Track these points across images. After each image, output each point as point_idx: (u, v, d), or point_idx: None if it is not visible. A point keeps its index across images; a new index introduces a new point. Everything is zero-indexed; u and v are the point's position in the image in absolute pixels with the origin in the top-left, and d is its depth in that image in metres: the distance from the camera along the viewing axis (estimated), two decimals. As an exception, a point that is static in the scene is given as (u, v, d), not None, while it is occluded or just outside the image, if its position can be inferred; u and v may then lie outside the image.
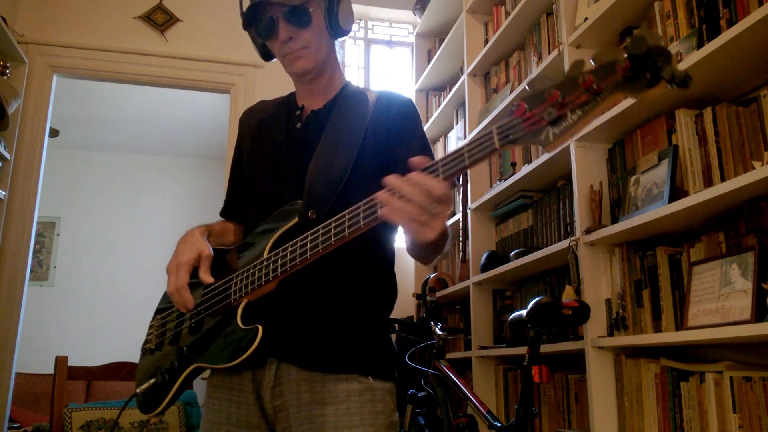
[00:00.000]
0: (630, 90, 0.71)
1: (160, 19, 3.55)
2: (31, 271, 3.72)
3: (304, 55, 1.23)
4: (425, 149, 1.24)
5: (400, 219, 0.87)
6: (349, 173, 1.15)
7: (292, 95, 1.36)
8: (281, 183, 1.21)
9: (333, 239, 0.97)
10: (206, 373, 1.21)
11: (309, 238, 1.01)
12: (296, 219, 1.10)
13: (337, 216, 0.98)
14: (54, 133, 4.22)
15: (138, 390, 1.21)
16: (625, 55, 0.70)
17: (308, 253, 1.01)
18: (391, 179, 0.88)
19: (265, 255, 1.09)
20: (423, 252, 1.14)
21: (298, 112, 1.29)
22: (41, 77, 3.31)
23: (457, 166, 0.86)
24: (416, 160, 0.89)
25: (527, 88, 0.80)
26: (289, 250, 1.04)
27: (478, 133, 0.84)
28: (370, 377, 1.12)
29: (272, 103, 1.39)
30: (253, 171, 1.31)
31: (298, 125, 1.27)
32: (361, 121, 1.22)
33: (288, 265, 1.03)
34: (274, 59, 1.32)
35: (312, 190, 1.14)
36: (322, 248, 0.99)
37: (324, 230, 0.99)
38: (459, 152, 0.85)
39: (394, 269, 1.27)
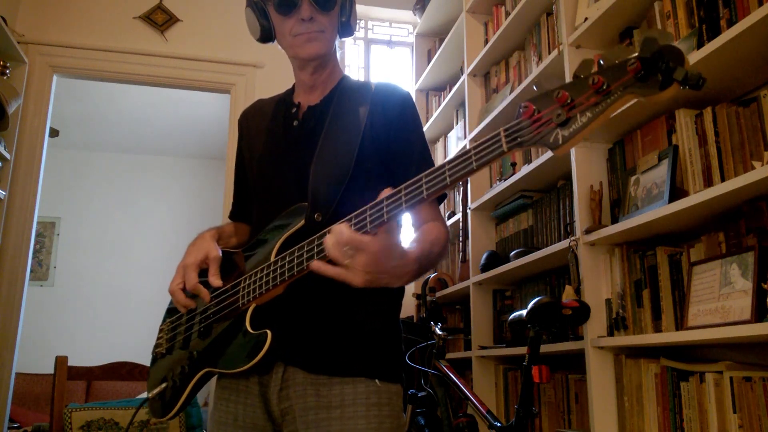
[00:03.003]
0: (641, 92, 0.69)
1: (160, 19, 3.55)
2: (31, 271, 3.72)
3: (320, 39, 1.21)
4: (422, 144, 1.23)
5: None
6: (351, 171, 1.14)
7: (288, 92, 1.35)
8: (282, 182, 1.21)
9: None
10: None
11: (315, 242, 1.00)
12: (302, 221, 1.08)
13: (346, 219, 0.96)
14: (54, 133, 4.22)
15: (149, 395, 1.20)
16: (636, 55, 0.68)
17: (317, 258, 0.99)
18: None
19: (272, 258, 1.08)
20: None
21: (294, 109, 1.28)
22: (41, 77, 3.31)
23: (464, 169, 0.83)
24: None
25: (534, 88, 0.78)
26: (296, 254, 1.03)
27: (485, 135, 0.83)
28: (377, 380, 1.11)
29: (269, 102, 1.38)
30: (254, 171, 1.30)
31: (295, 123, 1.26)
32: (360, 117, 1.20)
33: (296, 269, 1.02)
34: (272, 42, 1.28)
35: (316, 192, 1.13)
36: None
37: None
38: (466, 155, 0.83)
39: None
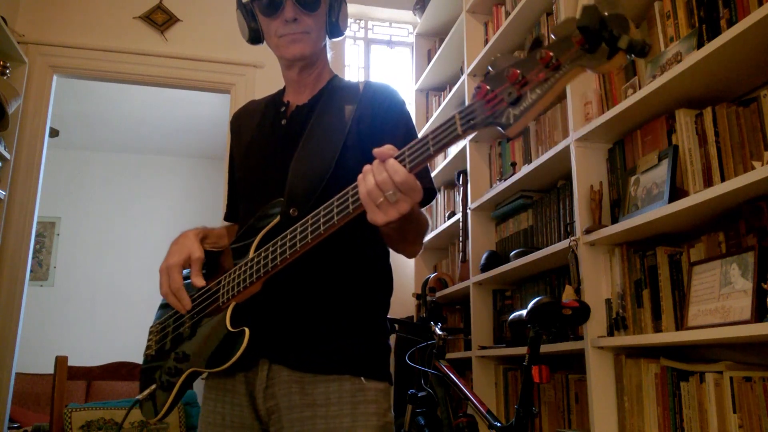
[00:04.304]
0: (589, 63, 0.65)
1: (160, 19, 3.55)
2: (31, 271, 3.72)
3: (304, 40, 1.21)
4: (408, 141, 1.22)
5: (360, 195, 0.90)
6: (332, 168, 1.14)
7: (279, 93, 1.35)
8: (267, 181, 1.20)
9: (310, 237, 0.97)
10: (204, 374, 1.21)
11: (288, 236, 1.01)
12: (278, 217, 1.09)
13: (313, 213, 0.97)
14: (54, 133, 4.22)
15: (140, 396, 1.21)
16: (577, 26, 0.65)
17: (287, 252, 1.00)
18: (368, 165, 0.91)
19: (251, 255, 1.09)
20: (386, 237, 1.12)
21: (283, 109, 1.28)
22: (41, 77, 3.31)
23: (422, 155, 0.85)
24: (381, 149, 0.90)
25: (489, 68, 0.76)
26: (270, 250, 1.03)
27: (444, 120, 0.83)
28: (362, 378, 1.10)
29: (260, 103, 1.38)
30: (242, 171, 1.30)
31: (283, 122, 1.26)
32: (346, 116, 1.20)
33: (270, 266, 1.03)
34: (261, 43, 1.29)
35: (293, 187, 1.13)
36: (300, 246, 0.98)
37: (301, 228, 0.99)
38: (423, 140, 0.84)
39: (390, 266, 1.25)
